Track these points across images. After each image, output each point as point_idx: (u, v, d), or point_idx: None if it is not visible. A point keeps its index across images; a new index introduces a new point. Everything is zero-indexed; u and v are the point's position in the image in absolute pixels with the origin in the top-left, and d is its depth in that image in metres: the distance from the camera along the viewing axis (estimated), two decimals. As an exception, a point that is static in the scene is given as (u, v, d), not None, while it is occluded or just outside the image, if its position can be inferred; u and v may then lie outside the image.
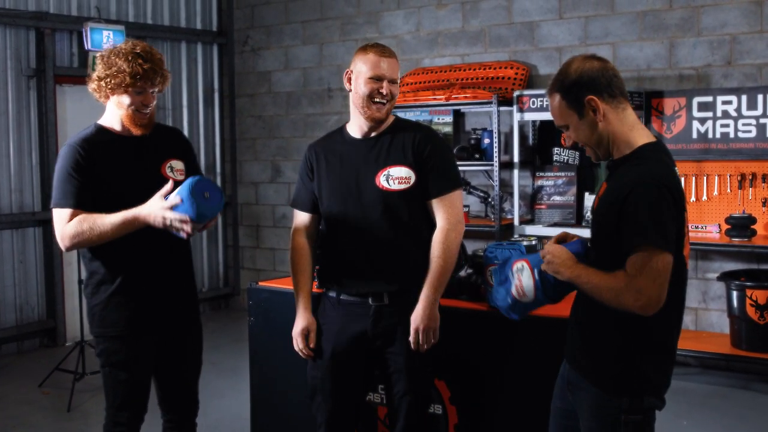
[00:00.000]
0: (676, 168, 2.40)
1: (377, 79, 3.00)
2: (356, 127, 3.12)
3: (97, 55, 3.06)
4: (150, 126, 3.10)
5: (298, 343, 3.14)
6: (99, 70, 3.00)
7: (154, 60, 3.00)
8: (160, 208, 2.88)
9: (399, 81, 3.10)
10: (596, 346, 2.41)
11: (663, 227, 2.22)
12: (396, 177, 3.02)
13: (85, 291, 3.13)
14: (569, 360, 2.53)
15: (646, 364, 2.35)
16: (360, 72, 3.03)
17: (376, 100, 3.01)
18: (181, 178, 3.10)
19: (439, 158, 3.07)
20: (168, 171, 3.12)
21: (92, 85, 3.04)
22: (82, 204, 2.96)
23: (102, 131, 3.09)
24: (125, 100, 2.99)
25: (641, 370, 2.34)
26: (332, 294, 3.14)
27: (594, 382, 2.39)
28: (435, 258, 3.03)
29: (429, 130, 3.22)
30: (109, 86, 2.98)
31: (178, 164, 3.16)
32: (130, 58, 2.95)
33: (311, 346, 3.12)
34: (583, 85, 2.35)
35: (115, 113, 3.07)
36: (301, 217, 3.22)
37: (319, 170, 3.14)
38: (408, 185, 3.02)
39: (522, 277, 2.45)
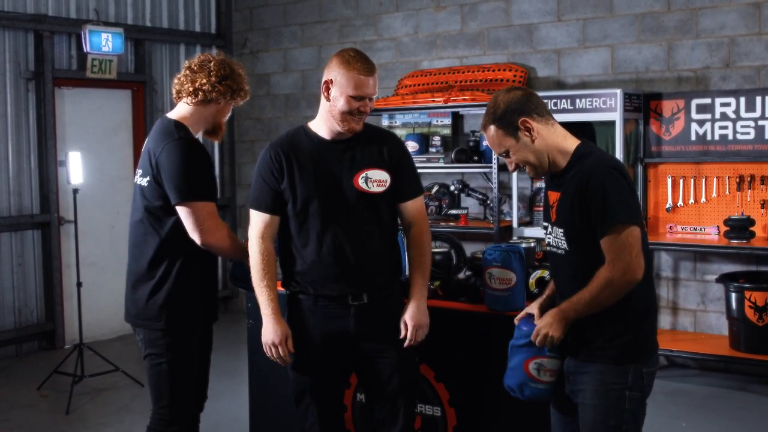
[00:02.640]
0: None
1: (360, 98, 2.97)
2: (326, 129, 3.07)
3: None
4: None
5: (279, 351, 3.03)
6: None
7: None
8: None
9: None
10: (600, 330, 2.60)
11: (625, 204, 2.52)
12: (375, 179, 3.05)
13: (151, 284, 3.22)
14: (568, 354, 2.69)
15: (647, 327, 2.65)
16: (342, 87, 2.96)
17: (356, 115, 3.00)
18: None
19: (410, 164, 3.19)
20: None
21: None
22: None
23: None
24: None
25: (643, 334, 2.63)
26: (307, 296, 3.08)
27: (601, 360, 2.59)
28: (421, 256, 3.13)
29: (397, 136, 3.31)
30: None
31: None
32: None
33: (291, 351, 3.07)
34: (515, 111, 2.64)
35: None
36: (264, 219, 3.14)
37: (289, 171, 3.05)
38: (385, 188, 3.06)
39: (547, 367, 2.69)
